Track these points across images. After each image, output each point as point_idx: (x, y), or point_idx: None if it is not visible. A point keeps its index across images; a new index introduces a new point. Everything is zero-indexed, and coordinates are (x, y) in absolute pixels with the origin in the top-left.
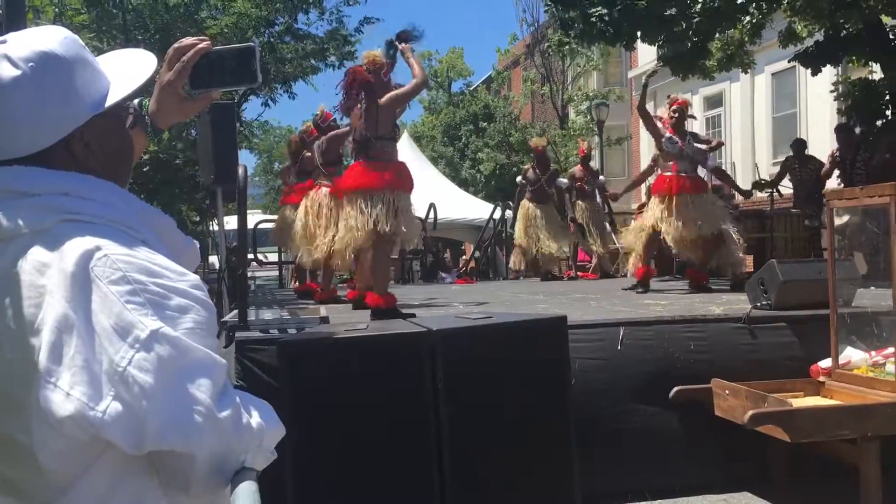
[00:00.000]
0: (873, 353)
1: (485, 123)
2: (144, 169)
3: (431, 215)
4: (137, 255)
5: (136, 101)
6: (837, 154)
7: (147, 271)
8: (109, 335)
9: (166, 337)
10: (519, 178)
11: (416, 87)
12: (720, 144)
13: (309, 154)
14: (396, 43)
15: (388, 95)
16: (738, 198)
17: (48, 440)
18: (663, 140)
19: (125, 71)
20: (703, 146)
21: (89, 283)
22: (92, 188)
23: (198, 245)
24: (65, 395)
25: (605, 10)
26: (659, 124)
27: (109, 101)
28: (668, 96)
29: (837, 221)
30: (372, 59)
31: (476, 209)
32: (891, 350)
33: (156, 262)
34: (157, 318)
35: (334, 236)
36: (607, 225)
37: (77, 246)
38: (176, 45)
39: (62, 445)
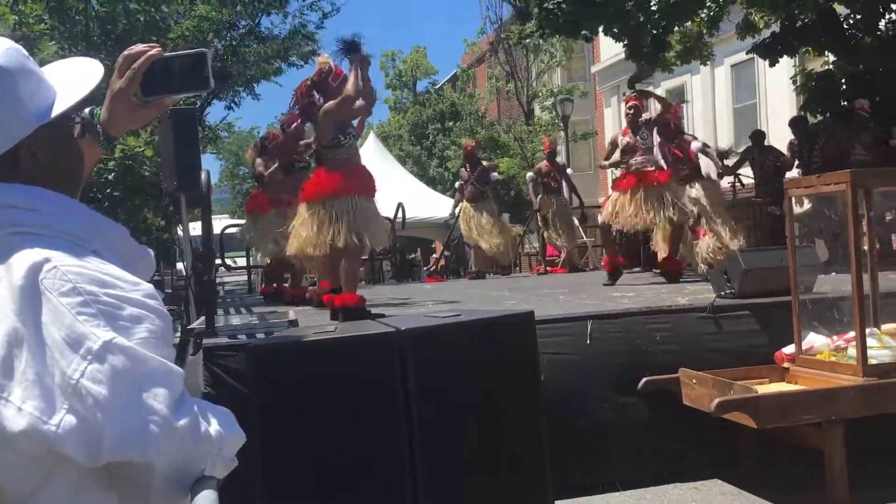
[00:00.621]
0: (835, 337)
1: (451, 122)
2: (109, 177)
3: (400, 215)
4: (88, 266)
5: (87, 110)
6: (796, 144)
7: (98, 282)
8: (61, 348)
9: (120, 347)
10: (458, 183)
11: (341, 101)
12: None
13: (260, 161)
14: (345, 54)
15: (324, 107)
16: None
17: (1, 457)
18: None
19: (71, 80)
20: (659, 136)
21: (39, 296)
22: (40, 200)
23: (152, 254)
24: (17, 410)
25: (562, 2)
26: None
27: (56, 111)
28: (625, 93)
29: (798, 210)
30: (320, 65)
31: (445, 207)
32: (852, 334)
33: (107, 272)
34: (109, 329)
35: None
36: (575, 220)
37: (25, 258)
38: (126, 52)
39: (16, 461)
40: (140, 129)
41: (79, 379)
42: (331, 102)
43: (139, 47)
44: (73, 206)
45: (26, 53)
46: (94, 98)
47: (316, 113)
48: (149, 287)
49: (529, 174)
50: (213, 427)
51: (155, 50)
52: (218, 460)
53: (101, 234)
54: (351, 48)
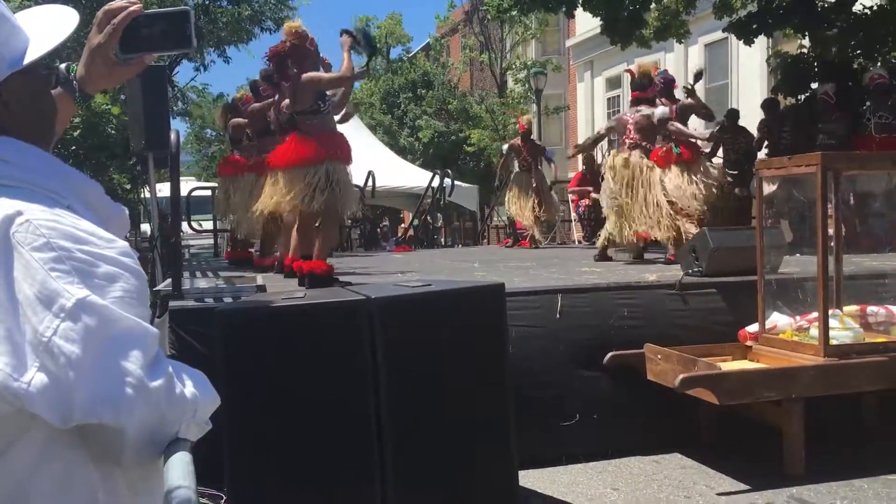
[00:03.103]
0: (798, 317)
1: (423, 91)
2: (75, 133)
3: (370, 183)
4: (62, 221)
5: (63, 66)
6: (766, 126)
7: (73, 238)
8: (33, 304)
9: (93, 306)
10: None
11: (337, 77)
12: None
13: (237, 121)
14: (342, 33)
15: (308, 74)
16: None
17: None
18: None
19: (46, 27)
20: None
21: (10, 250)
22: (12, 150)
23: (127, 212)
24: None
25: None
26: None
27: (28, 58)
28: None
29: (766, 190)
30: (292, 30)
31: (414, 177)
32: (815, 315)
33: (82, 228)
34: (83, 287)
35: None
36: (554, 195)
37: None
38: (105, 7)
39: None
40: None
41: (51, 337)
42: (324, 75)
43: (119, 3)
44: (45, 159)
45: None
46: (70, 53)
47: (291, 78)
48: (124, 245)
49: (504, 146)
50: (189, 389)
51: (136, 6)
52: (192, 423)
53: (74, 189)
54: (369, 45)
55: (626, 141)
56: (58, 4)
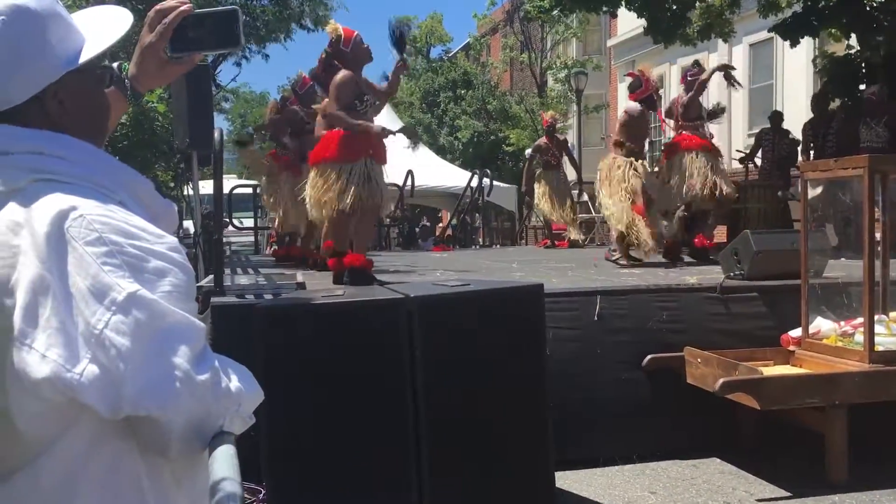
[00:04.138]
0: (842, 323)
1: (463, 90)
2: (121, 130)
3: (409, 183)
4: (114, 216)
5: (115, 64)
6: (811, 128)
7: (124, 233)
8: (86, 297)
9: (144, 300)
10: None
11: (381, 93)
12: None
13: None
14: (394, 51)
15: (360, 78)
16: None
17: (24, 403)
18: None
19: (100, 27)
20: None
21: (64, 244)
22: (67, 147)
23: (176, 208)
24: (40, 357)
25: None
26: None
27: (84, 57)
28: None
29: (810, 193)
30: (331, 33)
31: (453, 177)
32: (860, 320)
33: (133, 223)
34: (134, 281)
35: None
36: (574, 196)
37: (52, 205)
38: (157, 6)
39: (38, 408)
40: None
41: (102, 329)
42: (370, 83)
43: (170, 2)
44: (99, 155)
45: None
46: (123, 52)
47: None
48: (173, 240)
49: (528, 151)
50: (234, 383)
51: (186, 6)
52: (236, 417)
53: (126, 185)
54: (400, 45)
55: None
56: (112, 5)
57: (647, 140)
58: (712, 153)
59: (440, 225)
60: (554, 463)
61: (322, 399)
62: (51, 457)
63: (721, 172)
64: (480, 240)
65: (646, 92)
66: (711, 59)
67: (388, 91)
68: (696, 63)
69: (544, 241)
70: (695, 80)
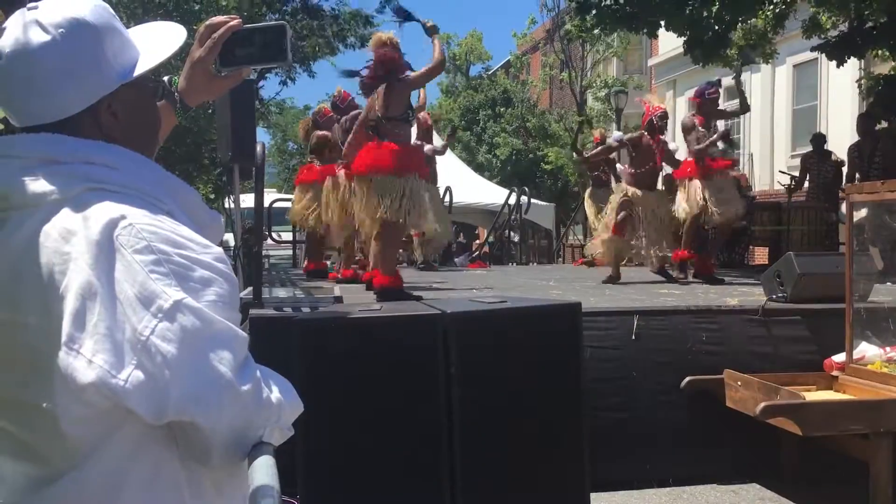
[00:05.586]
0: (888, 348)
1: (502, 108)
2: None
3: (447, 199)
4: (162, 226)
5: (166, 78)
6: (856, 148)
7: (171, 242)
8: (133, 304)
9: (189, 308)
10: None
11: (431, 69)
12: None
13: (321, 133)
14: (423, 22)
15: (410, 78)
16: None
17: (70, 406)
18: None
19: (155, 42)
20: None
21: (113, 252)
22: (118, 157)
23: (222, 219)
24: (87, 362)
25: None
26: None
27: (138, 71)
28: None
29: (856, 216)
30: (385, 40)
31: (491, 194)
32: None
33: (180, 233)
34: (180, 289)
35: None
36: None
37: (102, 214)
38: (207, 22)
39: (83, 412)
40: None
41: (149, 336)
42: (420, 72)
43: (220, 18)
44: (149, 166)
45: (112, 12)
46: (172, 66)
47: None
48: (219, 251)
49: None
50: (275, 394)
51: (236, 21)
52: (275, 428)
53: (174, 195)
54: (407, 17)
55: None
56: (167, 21)
57: (652, 163)
58: (717, 178)
59: (476, 242)
60: (590, 484)
61: (357, 412)
62: (95, 461)
63: (723, 196)
64: (518, 257)
65: (644, 119)
66: (753, 80)
67: (438, 59)
68: (717, 82)
69: (580, 261)
70: (712, 100)
